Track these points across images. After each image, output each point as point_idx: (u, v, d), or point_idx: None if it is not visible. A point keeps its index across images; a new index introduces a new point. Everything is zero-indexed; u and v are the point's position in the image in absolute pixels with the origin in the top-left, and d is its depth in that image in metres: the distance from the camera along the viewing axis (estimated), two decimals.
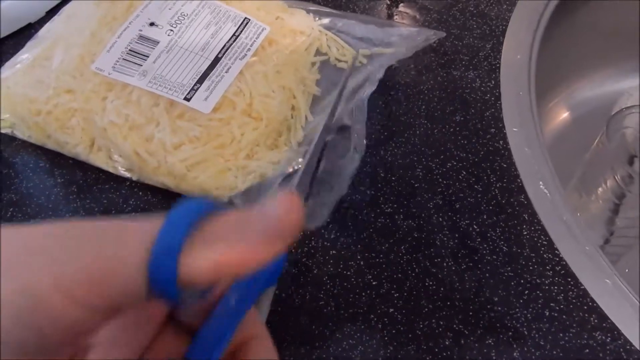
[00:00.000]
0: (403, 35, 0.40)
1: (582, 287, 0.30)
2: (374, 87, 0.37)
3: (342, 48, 0.40)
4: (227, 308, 0.20)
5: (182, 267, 0.16)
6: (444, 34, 0.40)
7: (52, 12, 0.44)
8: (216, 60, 0.37)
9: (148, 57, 0.37)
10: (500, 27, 0.42)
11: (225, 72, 0.37)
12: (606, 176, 0.44)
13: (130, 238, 0.16)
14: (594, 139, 0.55)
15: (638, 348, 0.28)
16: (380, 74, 0.38)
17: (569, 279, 0.31)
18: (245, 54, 0.37)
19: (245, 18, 0.39)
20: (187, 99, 0.35)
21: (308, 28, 0.40)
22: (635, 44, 0.60)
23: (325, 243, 0.33)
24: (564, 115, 0.60)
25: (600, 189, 0.46)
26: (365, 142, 0.35)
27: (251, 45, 0.38)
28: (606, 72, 0.62)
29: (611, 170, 0.43)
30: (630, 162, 0.47)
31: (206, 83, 0.36)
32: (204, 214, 0.17)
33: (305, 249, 0.33)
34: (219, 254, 0.16)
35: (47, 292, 0.15)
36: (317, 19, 0.41)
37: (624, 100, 0.63)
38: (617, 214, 0.47)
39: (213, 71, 0.36)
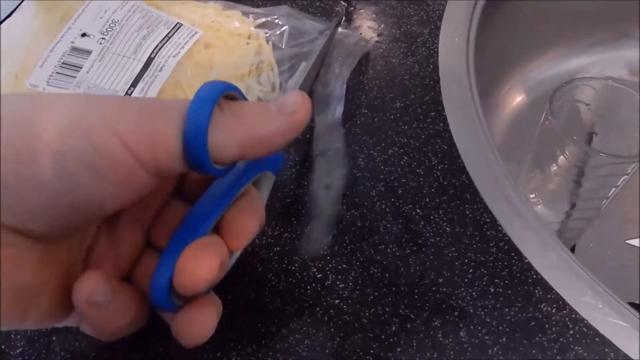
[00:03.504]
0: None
1: (526, 260, 0.30)
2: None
3: (269, 66, 0.39)
4: (230, 175, 0.23)
5: (212, 146, 0.18)
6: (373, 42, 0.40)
7: None
8: (149, 60, 0.37)
9: (81, 67, 0.36)
10: (437, 12, 0.42)
11: (159, 71, 0.36)
12: (557, 153, 0.44)
13: (169, 112, 0.18)
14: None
15: (583, 316, 0.28)
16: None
17: (513, 254, 0.30)
18: (179, 52, 0.37)
19: (178, 23, 0.39)
20: None
21: (245, 30, 0.40)
22: (586, 21, 0.61)
23: (269, 240, 0.32)
24: (520, 97, 0.60)
25: (554, 166, 0.46)
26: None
27: (185, 44, 0.38)
28: (559, 50, 0.62)
29: (559, 148, 0.43)
30: (589, 141, 0.47)
31: (140, 85, 0.36)
32: (226, 92, 0.20)
33: (249, 248, 0.32)
34: (245, 135, 0.19)
35: (104, 133, 0.17)
36: (253, 19, 0.41)
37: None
38: (579, 186, 0.47)
39: (146, 72, 0.36)
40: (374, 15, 0.43)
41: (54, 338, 0.29)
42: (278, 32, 0.40)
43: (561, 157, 0.45)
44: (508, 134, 0.58)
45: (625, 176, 0.40)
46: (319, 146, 0.35)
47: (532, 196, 0.51)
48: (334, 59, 0.39)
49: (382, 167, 0.35)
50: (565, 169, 0.45)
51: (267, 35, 0.40)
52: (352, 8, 0.44)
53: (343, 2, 0.43)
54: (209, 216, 0.22)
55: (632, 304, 0.46)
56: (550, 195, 0.49)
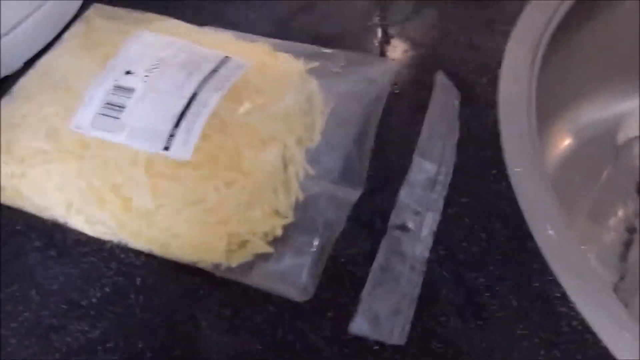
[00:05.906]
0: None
1: (602, 344, 0.28)
2: None
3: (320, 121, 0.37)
4: None
5: None
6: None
7: (30, 63, 0.42)
8: (193, 96, 0.35)
9: (125, 108, 0.35)
10: (496, 58, 0.40)
11: (203, 107, 0.34)
12: (617, 208, 0.41)
13: None
14: (599, 164, 0.52)
15: None
16: None
17: (587, 336, 0.28)
18: (224, 85, 0.35)
19: (226, 57, 0.37)
20: (166, 148, 0.33)
21: (296, 74, 0.38)
22: (634, 63, 0.58)
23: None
24: (567, 141, 0.57)
25: (611, 220, 0.44)
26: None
27: (231, 77, 0.36)
28: (607, 93, 0.60)
29: (622, 202, 0.40)
30: None
31: (183, 124, 0.34)
32: None
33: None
34: None
35: None
36: (305, 61, 0.39)
37: (628, 121, 0.61)
38: (629, 246, 0.44)
39: (190, 109, 0.34)
40: (429, 60, 0.41)
41: None
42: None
43: (620, 212, 0.42)
44: (554, 180, 0.56)
45: None
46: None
47: (583, 247, 0.49)
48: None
49: (441, 228, 0.32)
50: (624, 225, 0.43)
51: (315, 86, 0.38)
52: (407, 51, 0.42)
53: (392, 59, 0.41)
54: None
55: None
56: (603, 250, 0.47)
